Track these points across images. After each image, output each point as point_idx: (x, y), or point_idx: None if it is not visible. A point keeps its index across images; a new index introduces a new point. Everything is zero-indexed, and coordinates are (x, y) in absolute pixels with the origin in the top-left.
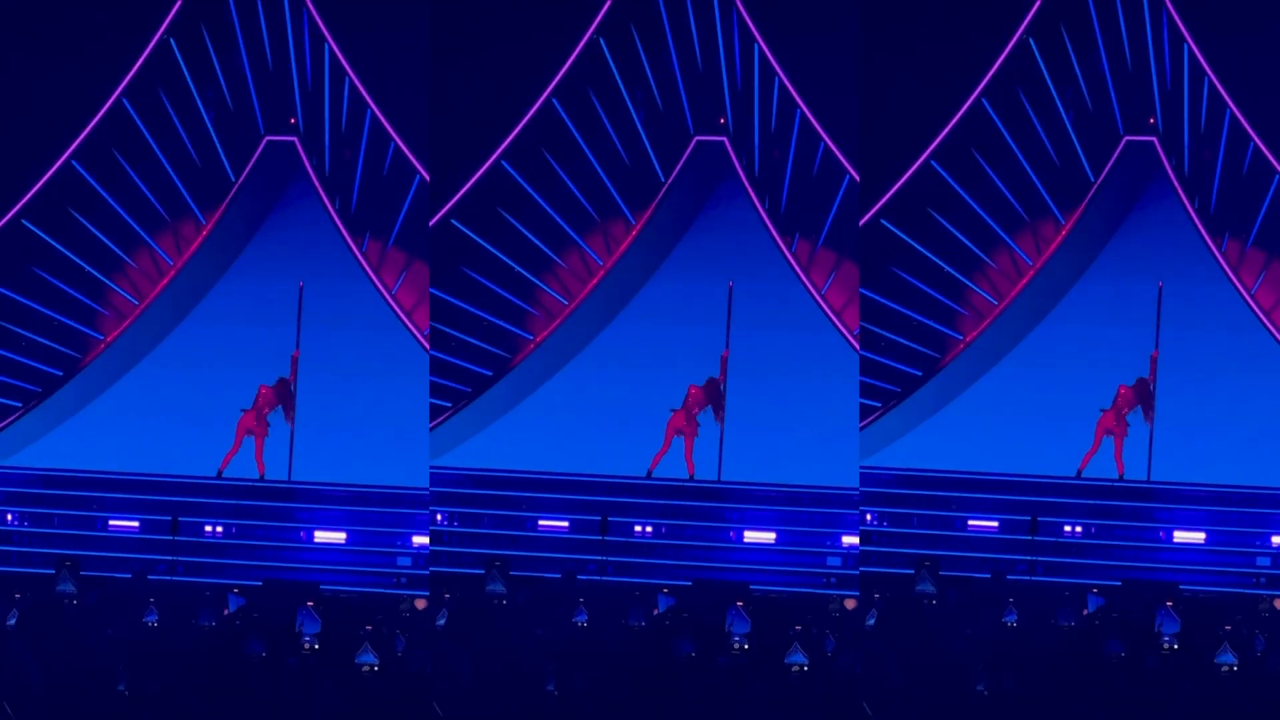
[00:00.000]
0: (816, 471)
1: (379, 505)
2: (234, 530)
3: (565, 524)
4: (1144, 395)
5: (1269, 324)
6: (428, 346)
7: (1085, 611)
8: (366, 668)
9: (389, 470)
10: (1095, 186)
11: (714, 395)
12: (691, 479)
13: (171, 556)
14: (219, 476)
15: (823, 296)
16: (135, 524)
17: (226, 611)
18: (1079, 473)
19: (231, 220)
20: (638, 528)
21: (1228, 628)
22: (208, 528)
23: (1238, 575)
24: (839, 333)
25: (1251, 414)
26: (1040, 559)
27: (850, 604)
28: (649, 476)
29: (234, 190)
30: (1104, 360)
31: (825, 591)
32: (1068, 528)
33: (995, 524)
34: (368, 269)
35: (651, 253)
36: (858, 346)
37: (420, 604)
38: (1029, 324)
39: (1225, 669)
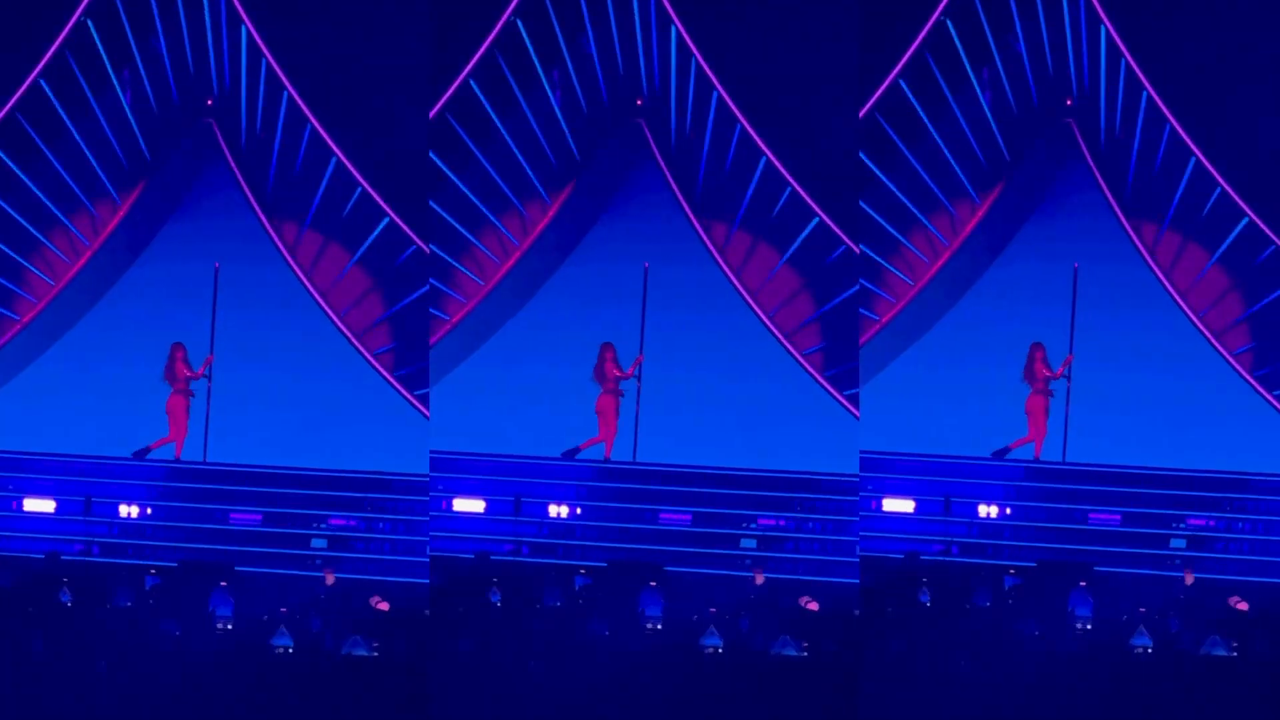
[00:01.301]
0: (733, 454)
1: (293, 487)
2: (150, 511)
3: (482, 505)
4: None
5: (1185, 306)
6: (342, 326)
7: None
8: (281, 649)
9: (308, 453)
10: (1012, 168)
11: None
12: (607, 460)
13: (86, 537)
14: (177, 460)
15: (739, 279)
16: (51, 505)
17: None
18: (1036, 457)
19: (148, 202)
20: (553, 509)
21: (1142, 610)
22: (124, 509)
23: (1153, 557)
24: (755, 315)
25: (1168, 396)
26: (955, 539)
27: (760, 579)
28: (607, 460)
29: (151, 172)
30: (1021, 342)
31: (741, 573)
32: (983, 509)
33: (910, 505)
34: (284, 251)
35: (567, 235)
36: (773, 329)
37: (330, 580)
38: (945, 305)
39: (1140, 650)
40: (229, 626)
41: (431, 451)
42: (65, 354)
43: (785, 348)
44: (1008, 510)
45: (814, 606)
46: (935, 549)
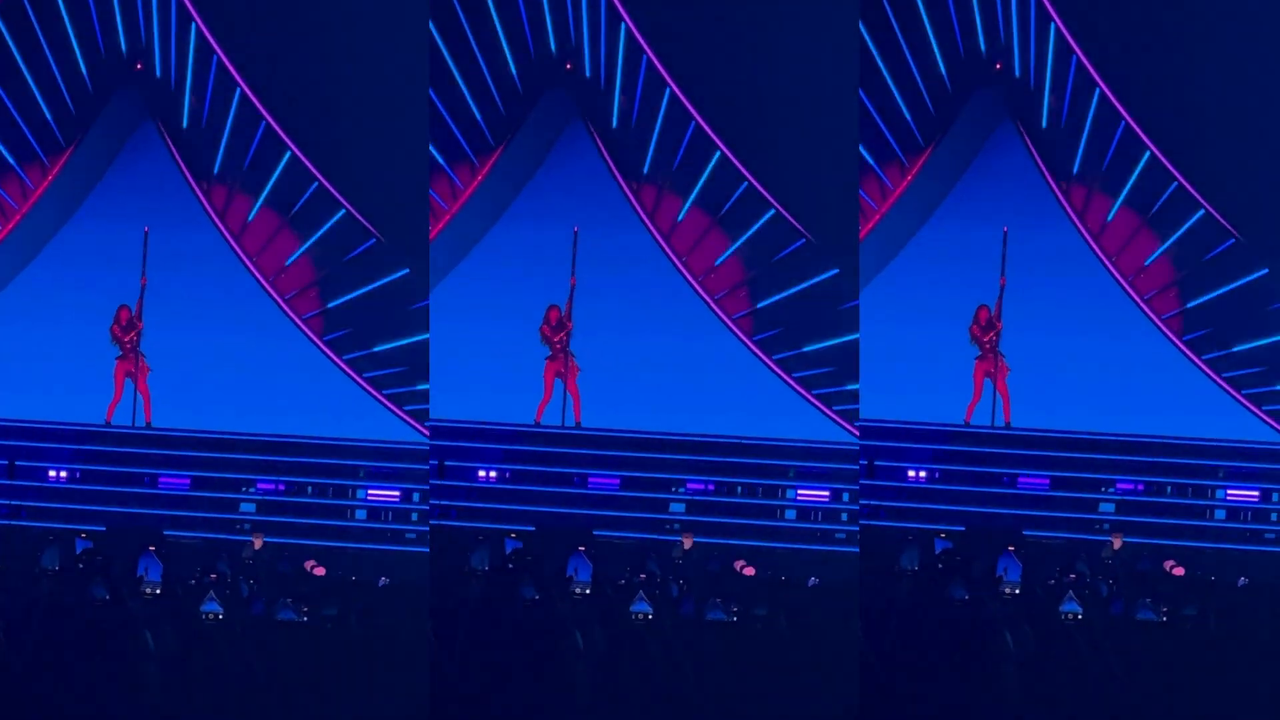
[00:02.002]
0: (664, 419)
1: (224, 451)
2: (79, 475)
3: None
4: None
5: (1114, 271)
6: (271, 290)
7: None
8: (210, 615)
9: (238, 417)
10: (940, 132)
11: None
12: (578, 425)
13: (13, 501)
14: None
15: (668, 243)
16: None
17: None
18: (966, 422)
19: (77, 166)
20: (481, 473)
21: (1072, 576)
22: (51, 473)
23: (1082, 521)
24: (684, 279)
25: (1097, 361)
26: (885, 504)
27: (688, 543)
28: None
29: (79, 136)
30: (947, 306)
31: (669, 538)
32: (911, 473)
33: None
34: (212, 214)
35: (496, 198)
36: (702, 293)
37: (257, 544)
38: (873, 269)
39: (1069, 616)
40: (157, 591)
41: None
42: None
43: (715, 312)
44: (936, 475)
45: (750, 571)
46: (862, 513)
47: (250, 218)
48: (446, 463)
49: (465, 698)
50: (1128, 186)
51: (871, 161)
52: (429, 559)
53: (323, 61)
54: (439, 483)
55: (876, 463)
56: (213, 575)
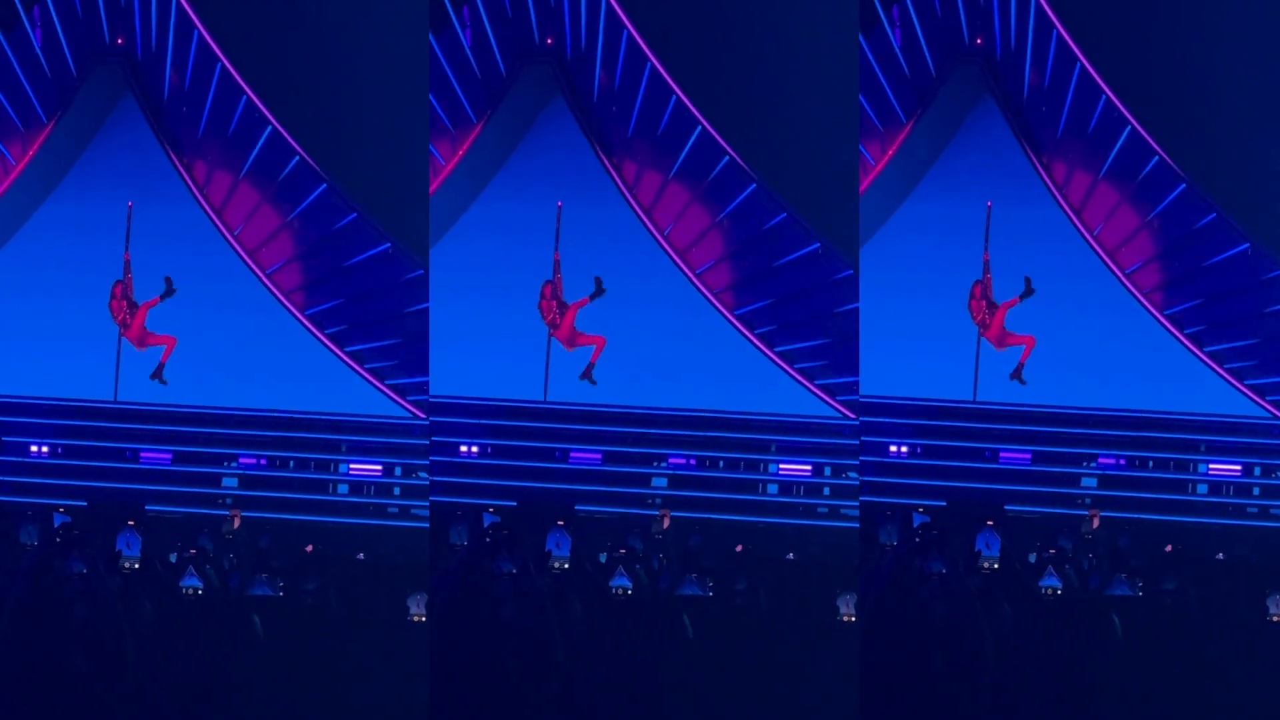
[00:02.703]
0: (644, 393)
1: (204, 426)
2: (59, 450)
3: None
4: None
5: (1096, 245)
6: (253, 265)
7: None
8: (190, 590)
9: (219, 392)
10: (922, 107)
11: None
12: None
13: None
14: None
15: (650, 218)
16: None
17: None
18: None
19: (58, 141)
20: (463, 448)
21: (1052, 551)
22: (33, 448)
23: (1063, 495)
24: (666, 255)
25: (1079, 336)
26: (865, 479)
27: (666, 522)
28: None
29: (60, 111)
30: (931, 281)
31: (649, 512)
32: (893, 448)
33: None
34: (194, 189)
35: (477, 173)
36: (684, 267)
37: (236, 522)
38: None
39: (1048, 591)
40: (136, 566)
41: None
42: None
43: (696, 286)
44: (918, 449)
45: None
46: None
47: (231, 192)
48: (435, 439)
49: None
50: (1109, 161)
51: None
52: (427, 534)
53: (309, 36)
54: (437, 459)
55: (864, 439)
56: (193, 550)
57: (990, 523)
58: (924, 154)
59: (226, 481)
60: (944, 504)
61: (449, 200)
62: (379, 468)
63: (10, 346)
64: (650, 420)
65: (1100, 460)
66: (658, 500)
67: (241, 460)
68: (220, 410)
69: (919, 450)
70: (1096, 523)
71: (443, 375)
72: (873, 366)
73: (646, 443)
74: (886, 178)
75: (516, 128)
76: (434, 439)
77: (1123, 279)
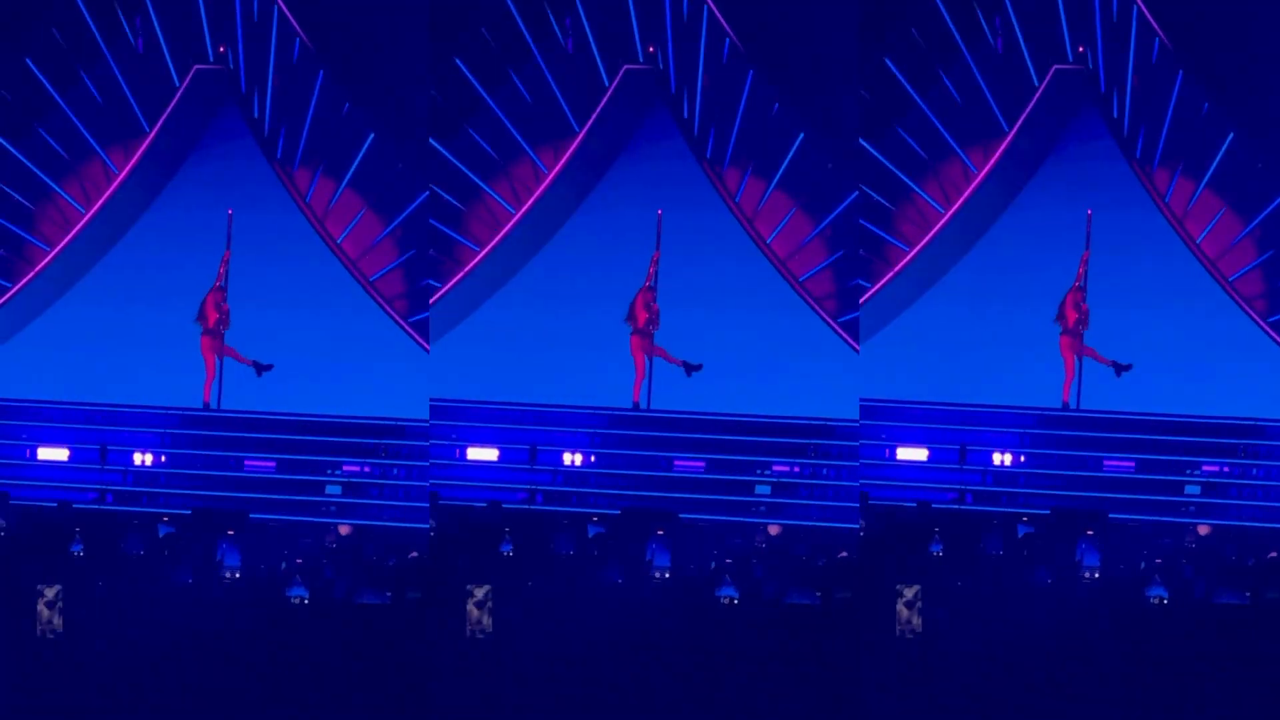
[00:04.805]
0: (747, 401)
1: (309, 434)
2: (165, 459)
3: (495, 453)
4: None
5: (1199, 253)
6: (357, 274)
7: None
8: (296, 599)
9: (325, 399)
10: (1024, 116)
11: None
12: (636, 407)
13: (101, 485)
14: (205, 408)
15: (752, 226)
16: (64, 454)
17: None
18: (1064, 404)
19: (160, 149)
20: (567, 457)
21: (1158, 560)
22: (137, 456)
23: (1167, 504)
24: (769, 263)
25: (1182, 343)
26: (969, 488)
27: (773, 530)
28: (635, 408)
29: (163, 118)
30: (1034, 289)
31: (755, 520)
32: (998, 457)
33: (924, 454)
34: (296, 198)
35: (579, 182)
36: (787, 275)
37: (344, 530)
38: (958, 252)
39: (1154, 600)
40: (238, 575)
41: (435, 400)
42: (78, 302)
43: (799, 294)
44: (1022, 458)
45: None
46: (949, 497)
47: (333, 201)
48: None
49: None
50: (1211, 168)
51: (954, 145)
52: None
53: (391, 36)
54: (536, 467)
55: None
56: (298, 560)
57: (1090, 532)
58: (1026, 162)
59: (330, 489)
60: (1048, 513)
61: (550, 209)
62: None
63: (113, 354)
64: (752, 428)
65: (1204, 468)
66: (762, 508)
67: (345, 468)
68: (323, 418)
69: (1022, 459)
70: (1204, 531)
71: (546, 384)
72: (978, 374)
73: (749, 450)
74: (989, 186)
75: (618, 136)
76: (541, 448)
77: (1226, 286)
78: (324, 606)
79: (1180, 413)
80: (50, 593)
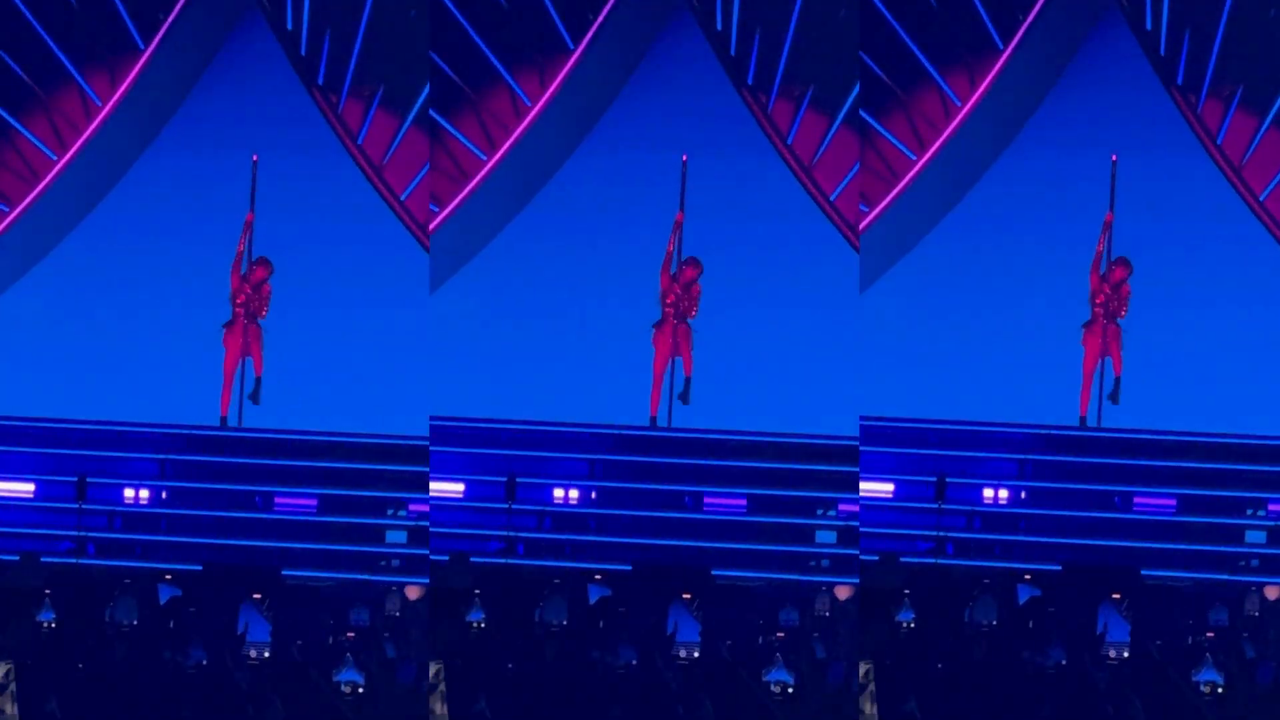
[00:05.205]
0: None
1: (363, 461)
2: (166, 496)
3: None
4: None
5: (1262, 214)
6: (428, 244)
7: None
8: (348, 688)
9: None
10: (1023, 27)
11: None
12: (653, 424)
13: (79, 532)
14: (222, 425)
15: (810, 175)
16: (29, 488)
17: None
18: (1081, 420)
19: (158, 73)
20: (559, 492)
21: (1209, 634)
22: (128, 492)
23: (1221, 557)
24: (832, 225)
25: (1241, 340)
26: (950, 534)
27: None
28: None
29: (161, 30)
30: (1037, 265)
31: (815, 579)
32: (989, 492)
33: (889, 488)
34: (345, 138)
35: (573, 118)
36: (859, 246)
37: (413, 593)
38: (931, 219)
39: (1206, 689)
40: (266, 654)
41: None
42: (46, 282)
43: None
44: (1022, 494)
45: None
46: (922, 547)
47: (395, 143)
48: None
49: None
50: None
51: (931, 69)
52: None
53: None
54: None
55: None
56: (349, 633)
57: (1116, 595)
58: (1026, 90)
59: (392, 536)
60: (1058, 568)
61: (536, 153)
62: None
63: (94, 354)
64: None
65: (1272, 507)
66: (825, 563)
67: (412, 508)
68: (374, 439)
69: (1024, 496)
70: (1275, 595)
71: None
72: (968, 386)
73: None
74: (976, 123)
75: (628, 53)
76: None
77: None
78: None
79: (1238, 432)
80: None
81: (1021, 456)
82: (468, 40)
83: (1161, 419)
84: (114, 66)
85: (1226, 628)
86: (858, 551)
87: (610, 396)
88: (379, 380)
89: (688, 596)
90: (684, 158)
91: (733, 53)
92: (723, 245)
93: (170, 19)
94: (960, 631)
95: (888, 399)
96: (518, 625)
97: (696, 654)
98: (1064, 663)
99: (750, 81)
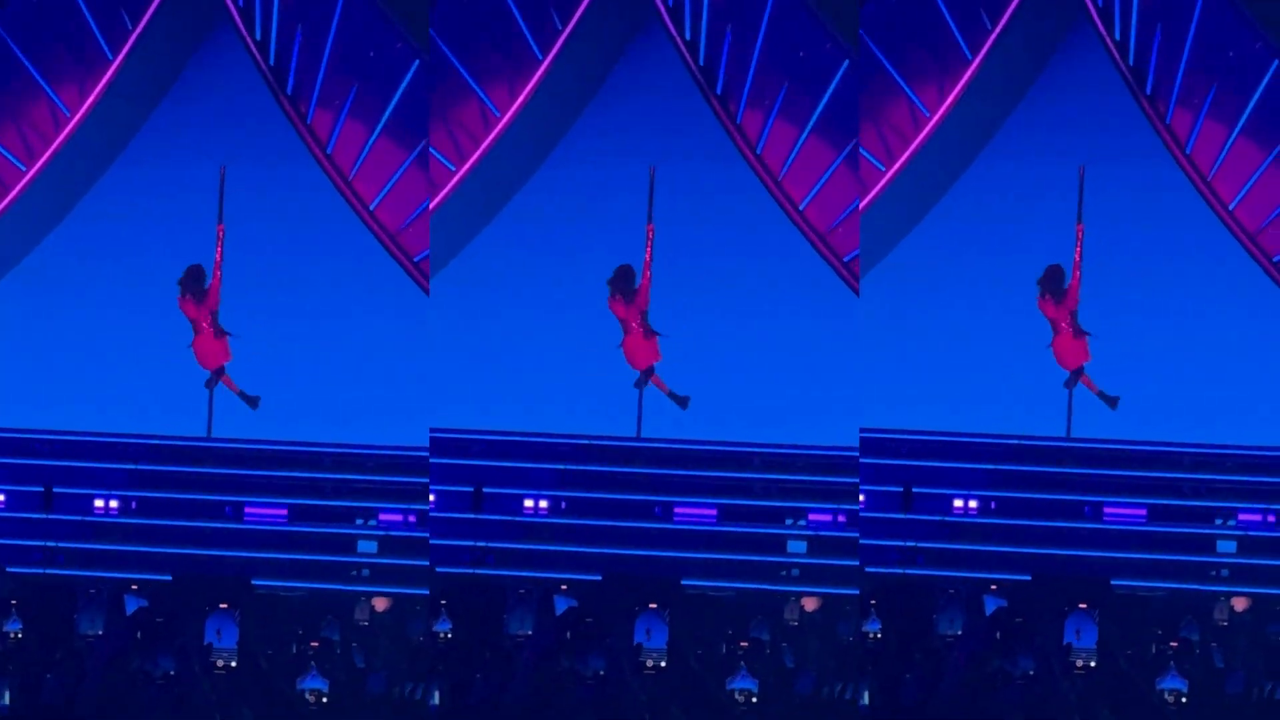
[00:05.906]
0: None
1: (332, 470)
2: (133, 505)
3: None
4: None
5: (1232, 222)
6: (396, 251)
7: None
8: (312, 695)
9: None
10: (992, 35)
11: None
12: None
13: (46, 543)
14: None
15: (778, 185)
16: None
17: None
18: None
19: (128, 83)
20: (529, 502)
21: (1173, 644)
22: (97, 502)
23: (1191, 566)
24: (804, 237)
25: (1212, 349)
26: (919, 545)
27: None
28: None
29: (130, 40)
30: (1004, 275)
31: (784, 588)
32: (958, 502)
33: (859, 499)
34: (313, 147)
35: (543, 128)
36: (830, 255)
37: (381, 604)
38: (902, 227)
39: (1170, 698)
40: (233, 664)
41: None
42: (13, 291)
43: (844, 279)
44: (991, 504)
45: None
46: (891, 558)
47: (364, 152)
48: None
49: None
50: (1249, 107)
51: (900, 80)
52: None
53: None
54: (476, 516)
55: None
56: (314, 643)
57: (1083, 605)
58: (995, 101)
59: (363, 546)
60: (1028, 579)
61: (504, 166)
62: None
63: (61, 361)
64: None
65: (1242, 517)
66: (794, 573)
67: (382, 517)
68: (352, 449)
69: (992, 505)
70: (1242, 605)
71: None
72: (936, 395)
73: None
74: (946, 133)
75: (595, 65)
76: (491, 490)
77: (1268, 267)
78: (346, 703)
79: (1209, 442)
80: None
81: (990, 465)
82: (439, 54)
83: (1131, 429)
84: (83, 77)
85: (1196, 638)
86: (827, 561)
87: (582, 407)
88: (372, 390)
89: (655, 606)
90: (652, 169)
91: (702, 62)
92: (691, 254)
93: (139, 29)
94: (927, 641)
95: (857, 410)
96: (487, 635)
97: (664, 663)
98: (1031, 672)
99: (719, 90)
